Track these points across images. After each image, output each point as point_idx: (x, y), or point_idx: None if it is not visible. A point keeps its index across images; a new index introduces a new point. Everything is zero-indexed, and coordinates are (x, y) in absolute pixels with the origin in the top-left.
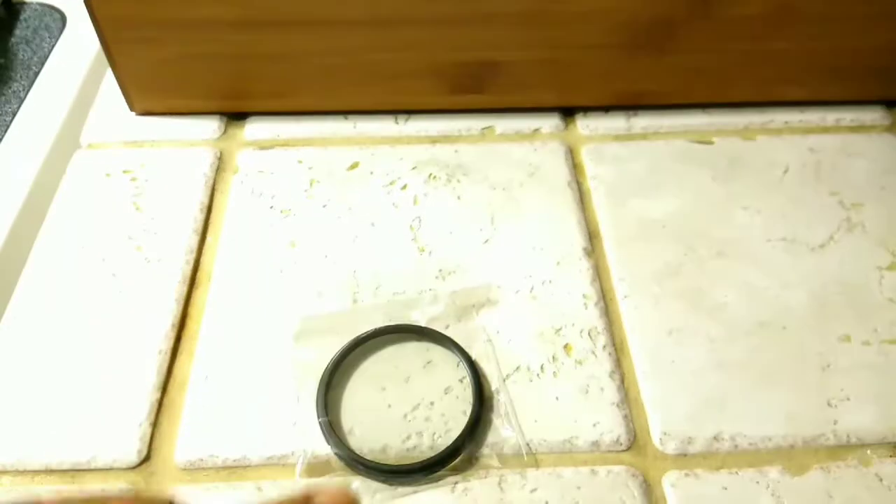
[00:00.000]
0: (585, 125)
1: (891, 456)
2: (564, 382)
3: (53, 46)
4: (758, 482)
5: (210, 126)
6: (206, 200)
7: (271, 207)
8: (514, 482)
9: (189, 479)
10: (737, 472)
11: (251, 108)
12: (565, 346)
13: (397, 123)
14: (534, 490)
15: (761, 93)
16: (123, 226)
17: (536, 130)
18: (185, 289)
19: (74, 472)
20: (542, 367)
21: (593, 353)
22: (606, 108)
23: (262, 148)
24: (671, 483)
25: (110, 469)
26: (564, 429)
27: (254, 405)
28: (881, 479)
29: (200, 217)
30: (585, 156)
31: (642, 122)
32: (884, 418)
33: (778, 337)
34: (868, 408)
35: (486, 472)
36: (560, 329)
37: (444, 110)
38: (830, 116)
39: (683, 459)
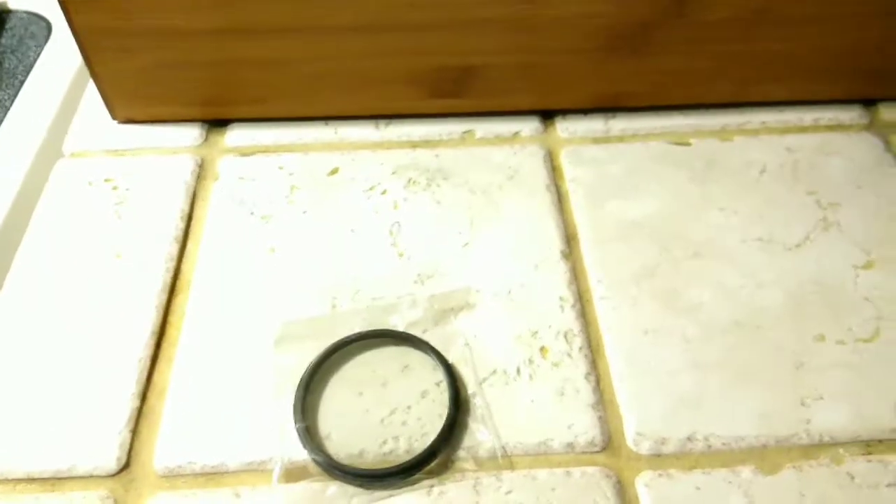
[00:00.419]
0: (564, 128)
1: (863, 454)
2: (540, 385)
3: (39, 55)
4: (730, 482)
5: (191, 133)
6: (186, 208)
7: (252, 214)
8: (490, 485)
9: (168, 486)
10: (710, 472)
11: (232, 114)
12: (541, 349)
13: (378, 128)
14: (509, 492)
15: (738, 93)
16: (105, 234)
17: (516, 134)
18: (165, 296)
19: (55, 479)
20: (518, 370)
21: (569, 355)
22: (585, 111)
23: (243, 154)
24: (644, 483)
25: (90, 477)
26: (540, 431)
27: (233, 411)
28: (853, 478)
29: (181, 225)
30: (564, 158)
31: (620, 124)
32: (857, 417)
33: (753, 336)
34: (841, 407)
35: (461, 475)
36: (537, 332)
37: (424, 115)
38: (808, 116)
39: (657, 460)
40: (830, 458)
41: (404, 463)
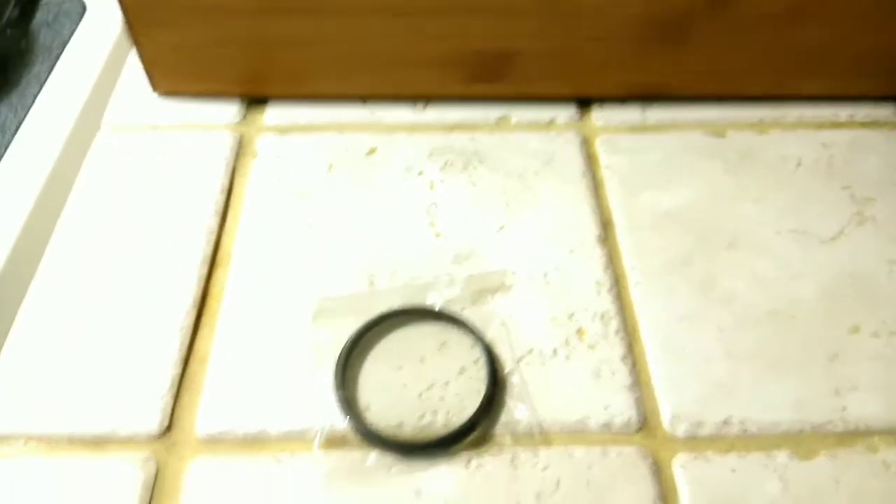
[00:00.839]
0: (600, 116)
1: None
2: (577, 365)
3: (73, 32)
4: (766, 466)
5: (230, 111)
6: (226, 183)
7: (290, 191)
8: (527, 460)
9: (209, 450)
10: (745, 456)
11: (270, 92)
12: (578, 331)
13: (414, 111)
14: (546, 468)
15: (775, 87)
16: (145, 206)
17: (552, 121)
18: (205, 268)
19: (96, 441)
20: (554, 351)
21: (605, 337)
22: (622, 100)
23: (282, 133)
24: (681, 465)
25: (131, 440)
26: (576, 410)
27: (273, 381)
28: (888, 467)
29: (221, 199)
30: (600, 147)
31: (657, 114)
32: (892, 407)
33: (787, 327)
34: (876, 397)
35: (499, 450)
36: (573, 314)
37: (461, 98)
38: (843, 112)
39: (693, 442)
40: (865, 447)
41: (444, 435)
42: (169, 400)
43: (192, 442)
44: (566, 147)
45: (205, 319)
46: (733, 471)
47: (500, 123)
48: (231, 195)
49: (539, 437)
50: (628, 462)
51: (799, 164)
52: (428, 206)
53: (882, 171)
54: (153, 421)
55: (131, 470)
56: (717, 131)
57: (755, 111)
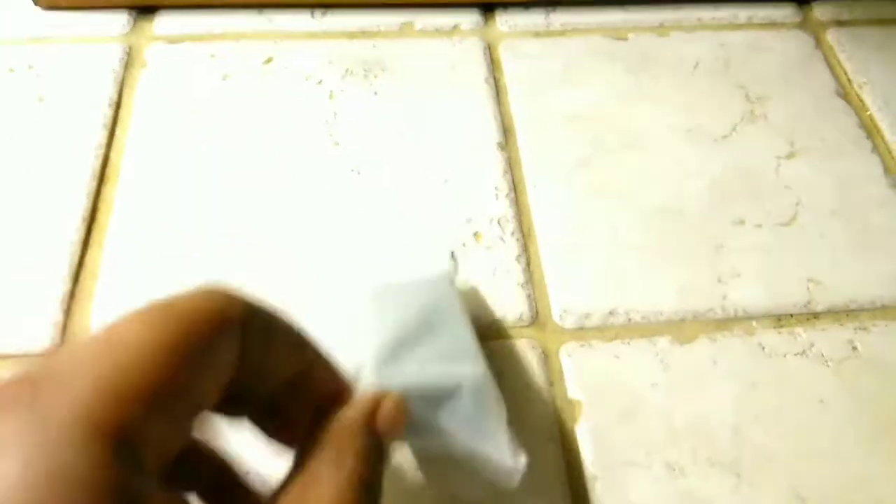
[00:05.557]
0: (504, 21)
1: (774, 327)
2: (473, 266)
3: None
4: (647, 351)
5: (118, 21)
6: (114, 96)
7: (182, 103)
8: None
9: None
10: (629, 343)
11: (160, 0)
12: (475, 234)
13: (314, 18)
14: None
15: None
16: (29, 121)
17: (456, 27)
18: (94, 184)
19: None
20: (452, 254)
21: (502, 239)
22: (526, 5)
23: (172, 42)
24: (567, 353)
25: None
26: (471, 308)
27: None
28: (763, 348)
29: (109, 113)
30: (503, 52)
31: (561, 18)
32: (770, 294)
33: (675, 221)
34: (756, 284)
35: None
36: (471, 219)
37: (361, 5)
38: (742, 14)
39: (580, 332)
40: (743, 330)
41: None
42: (59, 316)
43: None
44: (470, 53)
45: (94, 235)
46: (616, 356)
47: (404, 30)
48: (119, 108)
49: None
50: (518, 352)
51: (697, 65)
52: (327, 116)
53: (777, 70)
54: (44, 337)
55: None
56: (619, 35)
57: (657, 14)
